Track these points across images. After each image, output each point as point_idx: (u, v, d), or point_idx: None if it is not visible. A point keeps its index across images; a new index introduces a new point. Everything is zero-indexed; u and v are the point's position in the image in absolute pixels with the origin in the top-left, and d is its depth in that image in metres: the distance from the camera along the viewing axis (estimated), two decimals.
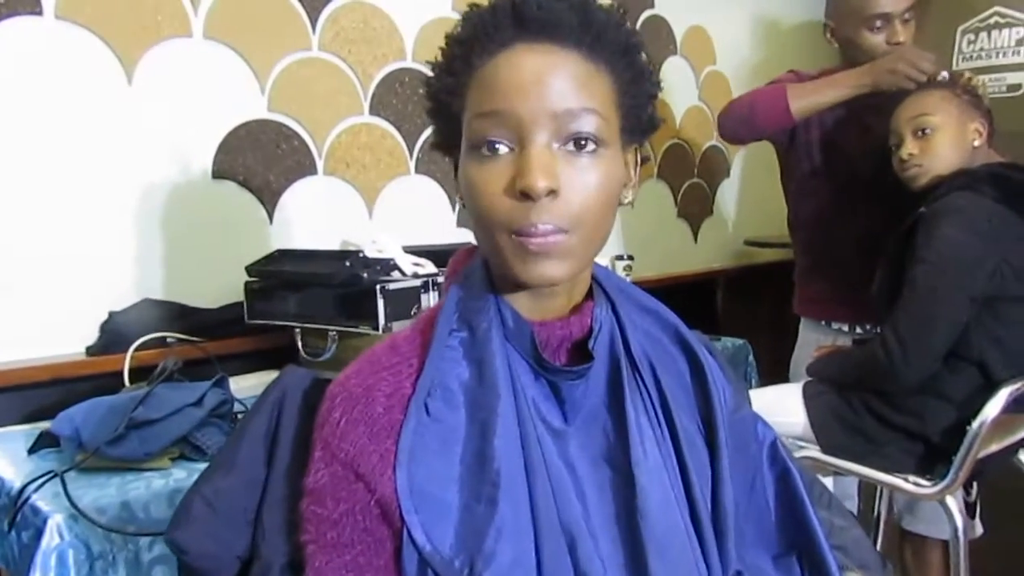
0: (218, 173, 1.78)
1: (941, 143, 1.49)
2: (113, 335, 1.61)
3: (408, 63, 2.10)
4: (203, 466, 1.22)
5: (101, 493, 1.12)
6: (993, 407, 1.28)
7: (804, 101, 1.68)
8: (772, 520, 0.74)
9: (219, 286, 1.76)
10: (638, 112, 0.67)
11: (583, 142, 0.61)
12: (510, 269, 0.62)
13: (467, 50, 0.64)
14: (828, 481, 1.66)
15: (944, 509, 1.36)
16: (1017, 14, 2.18)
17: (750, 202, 3.22)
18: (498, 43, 0.62)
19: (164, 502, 1.14)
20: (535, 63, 0.61)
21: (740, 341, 2.33)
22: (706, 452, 0.70)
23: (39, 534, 1.06)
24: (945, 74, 1.56)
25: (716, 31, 3.05)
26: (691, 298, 2.88)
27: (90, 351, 1.59)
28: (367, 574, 0.60)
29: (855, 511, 1.80)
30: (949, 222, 1.37)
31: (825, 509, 0.79)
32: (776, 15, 3.27)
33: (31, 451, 1.28)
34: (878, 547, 1.80)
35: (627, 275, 2.38)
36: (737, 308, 3.09)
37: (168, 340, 1.62)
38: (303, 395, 0.69)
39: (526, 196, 0.59)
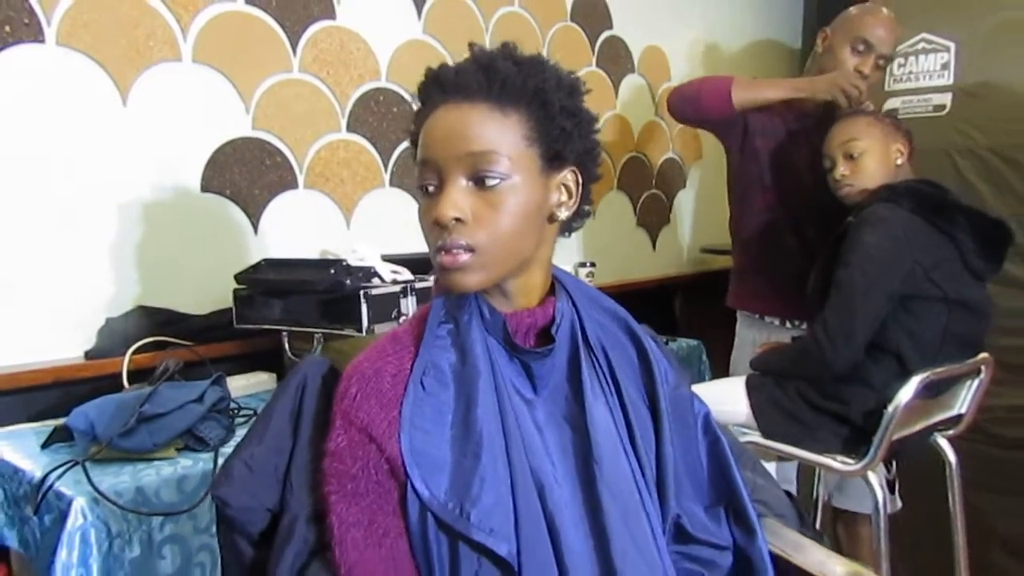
0: (206, 187, 1.90)
1: (868, 164, 1.68)
2: (110, 339, 1.71)
3: (382, 83, 2.24)
4: (206, 456, 1.35)
5: (117, 480, 1.23)
6: (906, 393, 1.46)
7: (746, 95, 1.86)
8: (705, 477, 0.90)
9: (207, 293, 1.88)
10: (559, 143, 0.80)
11: (486, 178, 0.76)
12: (439, 278, 0.80)
13: (418, 113, 0.82)
14: (771, 466, 1.83)
15: (867, 484, 1.53)
16: (941, 40, 2.39)
17: (705, 211, 3.40)
18: (431, 106, 0.80)
19: (173, 487, 1.27)
20: (448, 119, 0.78)
21: (694, 342, 2.51)
22: (649, 418, 0.86)
23: (63, 516, 1.18)
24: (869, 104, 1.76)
25: (671, 50, 3.23)
26: (650, 302, 3.04)
27: (88, 355, 1.70)
28: (379, 517, 0.74)
29: (795, 493, 1.98)
30: (871, 230, 1.56)
31: (750, 471, 0.95)
32: (725, 35, 3.46)
33: (44, 446, 1.39)
34: (817, 525, 1.97)
35: (589, 280, 2.54)
36: (694, 311, 3.26)
37: (162, 343, 1.74)
38: (321, 379, 0.83)
39: (438, 224, 0.76)
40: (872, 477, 1.51)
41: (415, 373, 0.77)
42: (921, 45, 2.41)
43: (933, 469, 1.82)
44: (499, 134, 0.76)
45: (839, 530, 1.98)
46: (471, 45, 0.82)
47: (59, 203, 1.66)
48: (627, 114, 3.05)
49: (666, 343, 2.38)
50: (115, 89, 1.73)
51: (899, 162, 1.67)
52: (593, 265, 2.57)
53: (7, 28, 1.57)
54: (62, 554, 1.14)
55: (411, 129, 0.83)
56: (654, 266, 3.22)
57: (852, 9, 1.99)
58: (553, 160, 0.80)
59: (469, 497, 0.72)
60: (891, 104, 2.44)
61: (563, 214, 0.83)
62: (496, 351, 0.81)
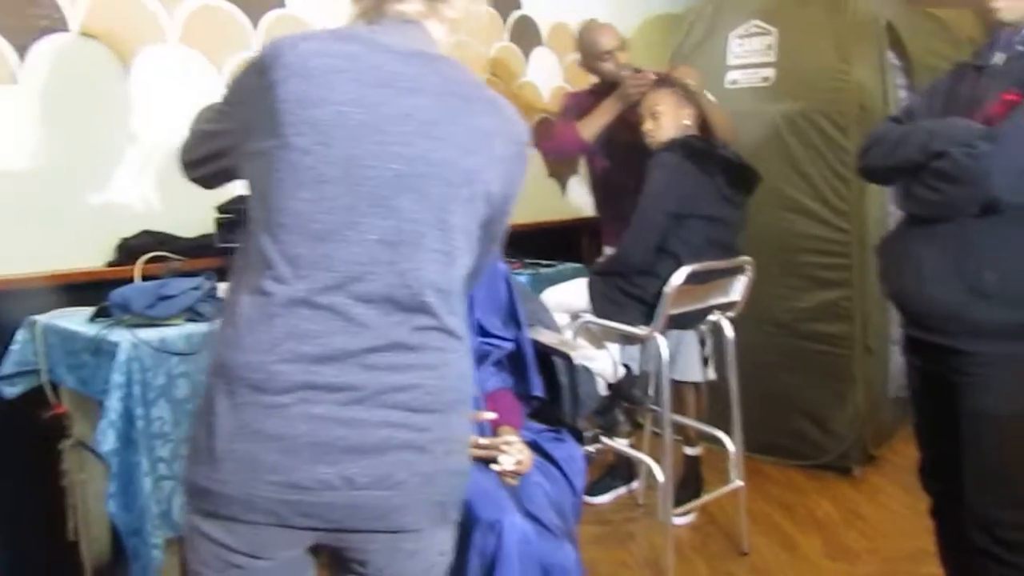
0: None
1: (665, 122, 2.36)
2: (125, 254, 2.33)
3: None
4: (204, 324, 1.97)
5: (147, 334, 1.86)
6: (677, 278, 2.14)
7: (591, 129, 2.59)
8: (502, 304, 1.56)
9: (192, 221, 2.48)
10: None
11: None
12: None
13: None
14: (615, 347, 2.51)
15: (656, 345, 2.22)
16: (768, 26, 3.03)
17: None
18: None
19: (184, 341, 1.89)
20: None
21: (579, 265, 3.18)
22: None
23: (112, 356, 1.80)
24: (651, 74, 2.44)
25: (576, 25, 3.83)
26: (560, 239, 3.68)
27: (110, 264, 2.32)
28: None
29: (636, 370, 2.66)
30: (657, 170, 2.24)
31: (531, 304, 1.63)
32: (630, 8, 4.05)
33: (92, 319, 2.00)
34: (650, 391, 2.66)
35: None
36: (596, 247, 3.92)
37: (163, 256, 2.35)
38: None
39: None
40: (660, 340, 2.20)
41: None
42: (753, 29, 3.06)
43: (744, 351, 2.49)
44: None
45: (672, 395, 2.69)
46: None
47: (88, 158, 2.26)
48: (537, 82, 3.66)
49: (552, 267, 3.05)
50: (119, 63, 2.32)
51: (687, 122, 2.35)
52: None
53: (44, 21, 2.15)
54: (115, 376, 1.77)
55: None
56: (565, 209, 3.85)
57: (580, 38, 2.73)
58: None
59: None
60: (731, 76, 3.10)
61: None
62: None
